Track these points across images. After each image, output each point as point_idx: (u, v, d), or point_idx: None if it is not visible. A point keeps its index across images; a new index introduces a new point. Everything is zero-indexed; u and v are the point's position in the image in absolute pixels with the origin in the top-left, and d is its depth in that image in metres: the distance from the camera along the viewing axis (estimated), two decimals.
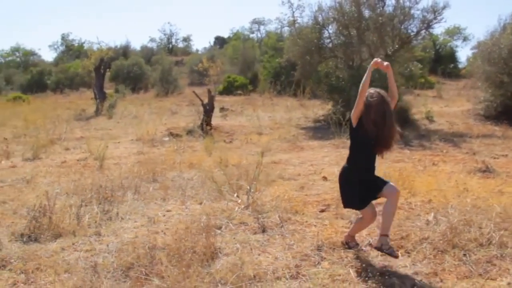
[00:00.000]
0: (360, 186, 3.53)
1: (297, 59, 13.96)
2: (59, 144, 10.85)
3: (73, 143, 11.06)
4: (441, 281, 3.21)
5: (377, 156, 3.60)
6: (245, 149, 9.25)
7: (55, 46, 53.17)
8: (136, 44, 73.21)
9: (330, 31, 13.63)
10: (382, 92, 3.46)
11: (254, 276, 3.34)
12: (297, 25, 14.87)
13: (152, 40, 55.02)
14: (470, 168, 6.94)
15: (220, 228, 4.47)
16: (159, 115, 15.43)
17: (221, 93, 23.52)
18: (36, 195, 5.48)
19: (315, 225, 4.46)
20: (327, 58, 13.62)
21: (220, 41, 53.94)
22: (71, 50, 50.55)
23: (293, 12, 15.34)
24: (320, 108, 14.95)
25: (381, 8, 12.97)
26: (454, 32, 33.62)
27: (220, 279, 3.32)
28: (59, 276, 3.47)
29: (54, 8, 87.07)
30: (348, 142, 3.79)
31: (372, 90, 3.42)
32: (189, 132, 11.44)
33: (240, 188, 5.64)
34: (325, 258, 3.65)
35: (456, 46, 33.56)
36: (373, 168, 3.62)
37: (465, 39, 33.84)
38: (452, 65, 31.41)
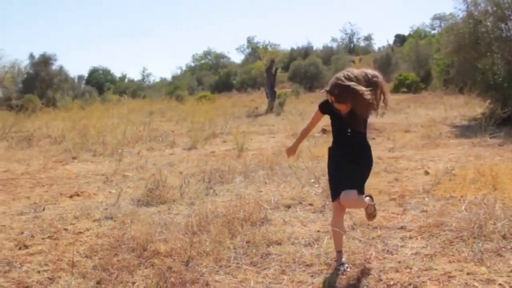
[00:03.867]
0: None
1: (452, 56, 13.84)
2: (220, 137, 13.04)
3: (232, 137, 13.10)
4: (432, 260, 3.58)
5: None
6: (380, 145, 9.79)
7: (242, 49, 59.97)
8: (319, 44, 77.29)
9: (486, 26, 13.19)
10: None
11: (276, 241, 4.23)
12: (451, 21, 14.46)
13: (333, 40, 58.00)
14: None
15: (289, 206, 5.42)
16: None
17: (392, 91, 24.02)
18: (165, 175, 7.27)
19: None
20: (483, 54, 13.19)
21: (400, 39, 54.14)
22: (256, 52, 56.49)
23: (467, 5, 14.72)
24: (478, 106, 14.78)
25: None
26: None
27: (248, 239, 4.31)
28: (141, 227, 4.95)
29: (240, 13, 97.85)
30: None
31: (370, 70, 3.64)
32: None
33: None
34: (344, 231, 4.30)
35: None
36: None
37: None
38: None
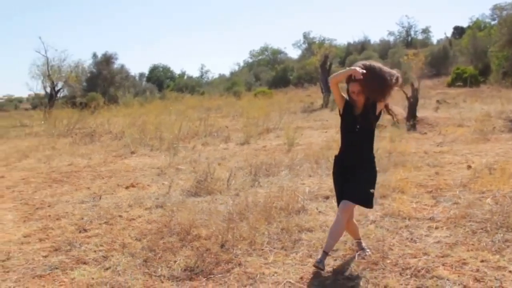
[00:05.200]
0: None
1: (505, 49, 13.42)
2: (273, 132, 13.51)
3: (284, 131, 13.54)
4: (451, 249, 3.86)
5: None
6: (430, 139, 9.91)
7: (298, 44, 60.02)
8: (376, 38, 76.12)
9: None
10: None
11: (308, 228, 4.63)
12: (504, 12, 13.98)
13: (390, 33, 57.06)
14: None
15: (327, 197, 5.79)
16: None
17: (449, 85, 23.36)
18: (214, 168, 7.82)
19: (400, 203, 5.34)
20: None
21: (458, 31, 52.38)
22: (311, 48, 56.55)
23: None
24: None
25: None
26: None
27: (283, 226, 4.74)
28: (187, 214, 5.49)
29: (297, 9, 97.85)
30: None
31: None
32: (394, 123, 12.44)
33: None
34: (374, 221, 4.64)
35: None
36: None
37: None
38: None
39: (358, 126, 3.83)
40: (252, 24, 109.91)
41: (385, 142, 9.69)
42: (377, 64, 3.84)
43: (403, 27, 58.28)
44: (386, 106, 3.95)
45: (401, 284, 3.39)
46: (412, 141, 9.88)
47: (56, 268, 4.15)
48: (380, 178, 6.23)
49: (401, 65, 28.40)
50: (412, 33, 58.63)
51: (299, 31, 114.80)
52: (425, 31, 58.88)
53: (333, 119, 15.66)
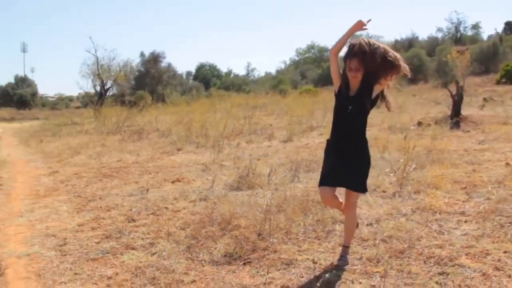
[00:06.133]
0: None
1: None
2: (317, 130, 13.77)
3: (327, 129, 13.79)
4: (476, 240, 4.07)
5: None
6: (473, 137, 10.03)
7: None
8: (424, 35, 74.38)
9: None
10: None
11: (342, 220, 4.90)
12: None
13: (439, 30, 55.62)
14: None
15: None
16: (423, 106, 16.76)
17: (498, 82, 22.82)
18: (256, 164, 8.18)
19: (432, 197, 5.55)
20: None
21: (510, 27, 50.60)
22: None
23: None
24: None
25: None
26: None
27: (318, 218, 5.04)
28: (228, 206, 5.87)
29: (344, 6, 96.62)
30: None
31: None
32: (438, 121, 12.50)
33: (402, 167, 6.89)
34: (405, 215, 4.88)
35: None
36: None
37: None
38: None
39: (350, 107, 3.71)
40: (298, 21, 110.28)
41: (426, 140, 9.76)
42: (382, 43, 3.69)
43: (452, 23, 56.78)
44: (382, 92, 3.81)
45: (424, 270, 3.64)
46: (453, 139, 9.99)
47: (108, 253, 4.61)
48: (415, 175, 6.48)
49: (447, 63, 27.94)
50: (462, 29, 57.10)
51: (345, 28, 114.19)
52: (475, 27, 57.23)
53: (377, 117, 15.68)
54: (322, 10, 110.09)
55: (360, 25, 3.74)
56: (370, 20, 3.70)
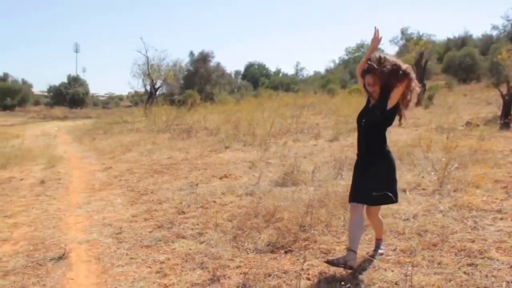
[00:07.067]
0: None
1: None
2: None
3: None
4: (509, 236, 4.27)
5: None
6: None
7: (395, 41, 58.46)
8: (478, 33, 72.01)
9: None
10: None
11: (381, 215, 5.16)
12: None
13: (494, 27, 53.47)
14: None
15: (404, 190, 6.25)
16: (474, 106, 16.56)
17: None
18: (301, 161, 8.50)
19: (471, 195, 5.72)
20: None
21: None
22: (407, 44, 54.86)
23: None
24: None
25: None
26: None
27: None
28: (273, 201, 6.21)
29: (394, 4, 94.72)
30: None
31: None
32: (487, 122, 12.41)
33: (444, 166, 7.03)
34: (442, 211, 5.09)
35: None
36: None
37: None
38: None
39: (363, 120, 3.96)
40: (348, 20, 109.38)
41: (472, 140, 9.78)
42: (392, 57, 3.84)
43: (508, 20, 54.61)
44: (398, 106, 3.91)
45: (453, 262, 3.89)
46: (501, 139, 10.00)
47: (160, 241, 5.07)
48: (457, 174, 6.62)
49: (499, 63, 27.16)
50: None
51: (396, 27, 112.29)
52: None
53: (425, 117, 15.73)
54: (371, 8, 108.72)
55: (376, 41, 3.96)
56: (377, 30, 3.94)
